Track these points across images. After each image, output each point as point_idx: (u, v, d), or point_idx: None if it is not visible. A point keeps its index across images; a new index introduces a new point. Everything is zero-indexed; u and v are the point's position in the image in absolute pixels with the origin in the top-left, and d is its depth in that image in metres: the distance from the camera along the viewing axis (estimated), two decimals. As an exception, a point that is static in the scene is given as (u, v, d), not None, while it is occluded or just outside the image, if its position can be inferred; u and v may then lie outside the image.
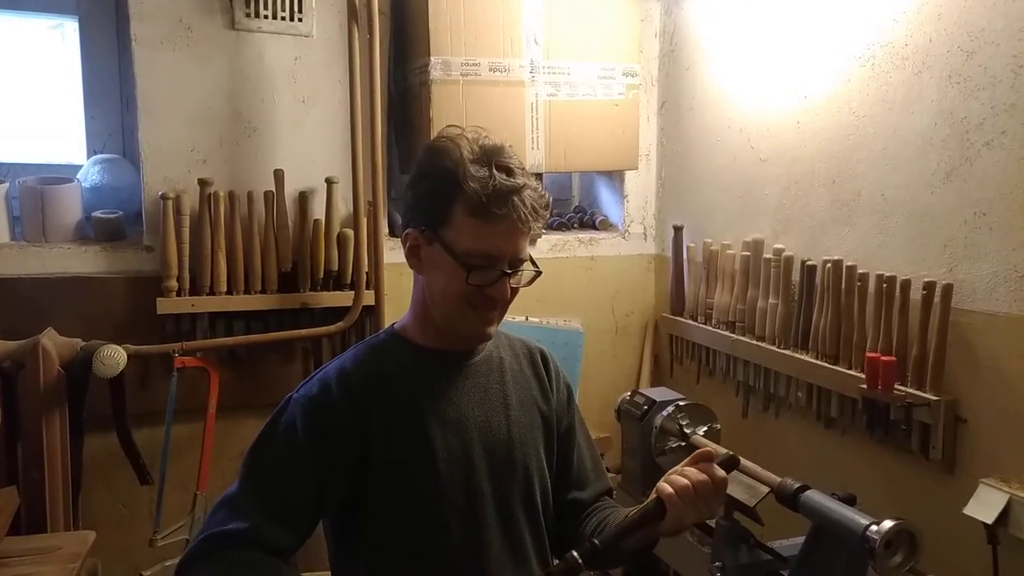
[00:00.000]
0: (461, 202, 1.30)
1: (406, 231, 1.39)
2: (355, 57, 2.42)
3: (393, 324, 1.50)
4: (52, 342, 2.11)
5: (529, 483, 1.44)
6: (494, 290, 1.33)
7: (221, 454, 2.48)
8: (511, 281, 1.35)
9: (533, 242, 2.70)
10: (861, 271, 1.95)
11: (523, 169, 1.35)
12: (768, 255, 2.25)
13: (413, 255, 1.39)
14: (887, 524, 1.37)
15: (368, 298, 2.50)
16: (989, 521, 1.62)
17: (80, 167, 2.59)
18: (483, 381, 1.44)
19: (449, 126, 1.40)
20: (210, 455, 2.38)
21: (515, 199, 1.29)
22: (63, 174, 2.54)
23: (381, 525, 1.35)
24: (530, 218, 1.31)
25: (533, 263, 1.39)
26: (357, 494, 1.35)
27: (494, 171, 1.30)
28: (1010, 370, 1.65)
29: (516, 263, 1.35)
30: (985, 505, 1.64)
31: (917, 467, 1.85)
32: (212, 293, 2.37)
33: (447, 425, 1.38)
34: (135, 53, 2.33)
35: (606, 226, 2.95)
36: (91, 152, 2.66)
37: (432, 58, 2.44)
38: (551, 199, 1.41)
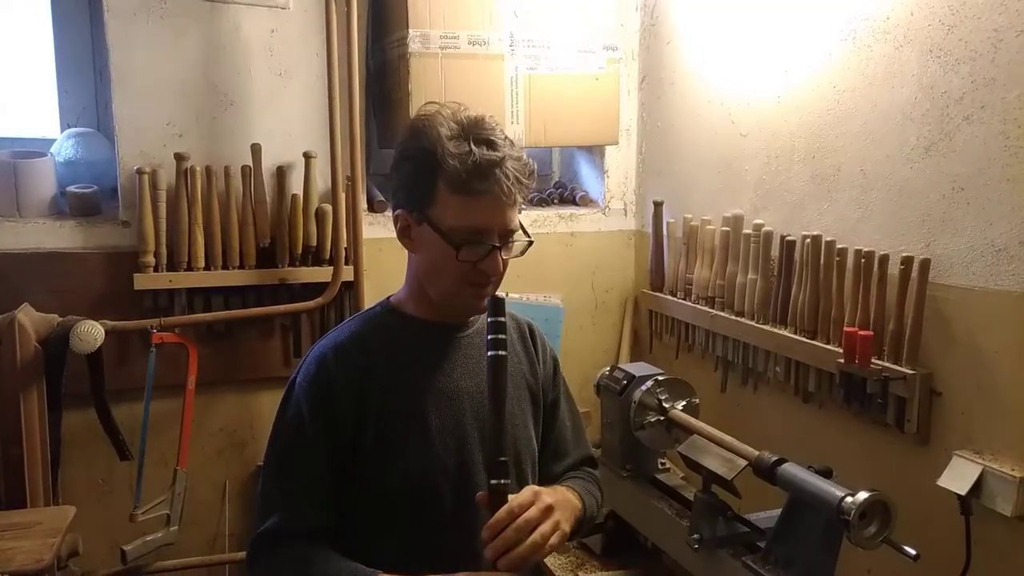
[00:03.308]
0: (443, 180, 1.31)
1: (396, 212, 1.41)
2: (332, 30, 2.39)
3: (388, 297, 1.52)
4: (28, 318, 2.09)
5: (519, 454, 1.48)
6: (486, 264, 1.34)
7: (200, 430, 2.47)
8: (502, 253, 1.36)
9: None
10: (840, 246, 1.95)
11: (506, 139, 1.35)
12: (748, 230, 2.25)
13: (405, 235, 1.41)
14: (862, 496, 1.40)
15: (347, 273, 2.49)
16: (962, 492, 1.64)
17: (53, 141, 2.55)
18: (475, 353, 1.46)
19: (428, 103, 1.41)
20: (190, 431, 2.38)
21: (497, 172, 1.30)
22: (36, 148, 2.50)
23: (374, 492, 1.38)
24: (514, 189, 1.32)
25: (525, 232, 1.41)
26: (352, 462, 1.38)
27: (472, 146, 1.30)
28: (985, 344, 1.67)
29: (506, 235, 1.36)
30: (958, 477, 1.66)
31: (892, 440, 1.87)
32: (190, 269, 2.36)
33: (440, 396, 1.41)
34: (108, 24, 2.29)
35: (586, 202, 2.95)
36: (65, 126, 2.61)
37: (411, 31, 2.41)
38: (535, 166, 1.40)
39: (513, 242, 1.39)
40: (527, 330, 1.59)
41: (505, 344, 1.31)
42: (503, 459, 1.28)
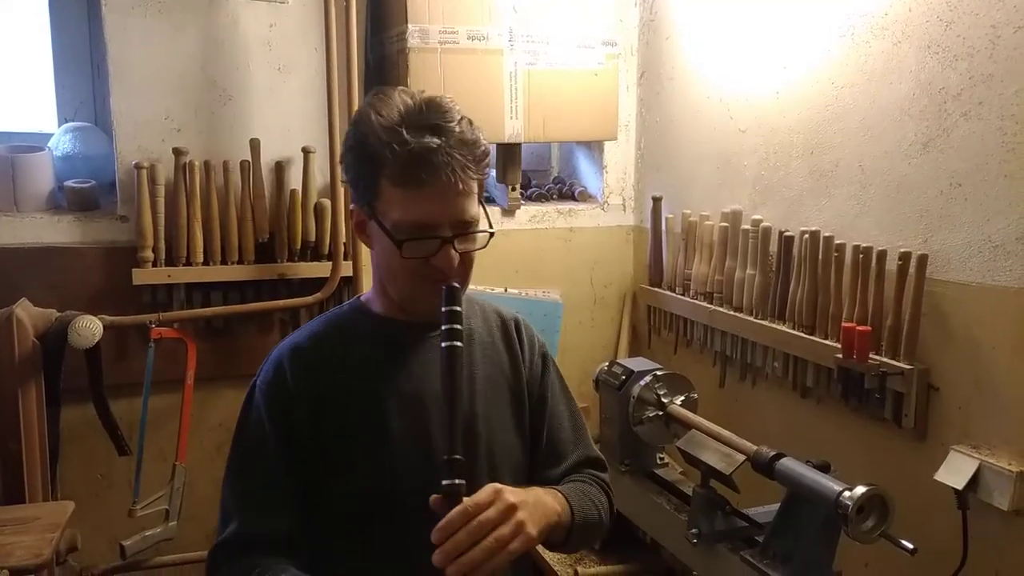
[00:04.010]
0: (383, 173, 1.23)
1: (351, 206, 1.33)
2: (331, 24, 2.39)
3: (359, 296, 1.46)
4: (26, 313, 2.09)
5: (494, 461, 1.38)
6: (438, 260, 1.24)
7: (199, 425, 2.47)
8: (458, 246, 1.26)
9: (509, 206, 2.70)
10: (838, 242, 1.96)
11: (462, 120, 1.25)
12: (746, 226, 2.25)
13: (360, 231, 1.33)
14: (859, 490, 1.40)
15: (346, 269, 2.49)
16: (959, 487, 1.65)
17: (51, 135, 2.55)
18: None
19: (381, 88, 1.29)
20: (188, 426, 2.38)
21: (436, 160, 1.19)
22: (34, 142, 2.50)
23: (337, 497, 1.32)
24: (460, 176, 1.21)
25: (489, 221, 1.31)
26: (314, 466, 1.32)
27: (408, 134, 1.20)
28: (982, 339, 1.68)
29: (460, 226, 1.25)
30: (955, 471, 1.67)
31: (890, 435, 1.88)
32: (188, 264, 2.36)
33: (404, 400, 1.33)
34: (106, 18, 2.29)
35: (585, 197, 2.95)
36: (62, 120, 2.61)
37: (410, 25, 2.41)
38: (488, 148, 1.29)
39: (473, 233, 1.28)
40: (512, 326, 1.48)
41: (460, 335, 1.21)
42: (457, 457, 1.15)
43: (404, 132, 1.20)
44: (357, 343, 1.36)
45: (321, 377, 1.32)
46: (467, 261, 1.30)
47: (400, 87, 1.30)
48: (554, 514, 1.28)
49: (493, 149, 2.75)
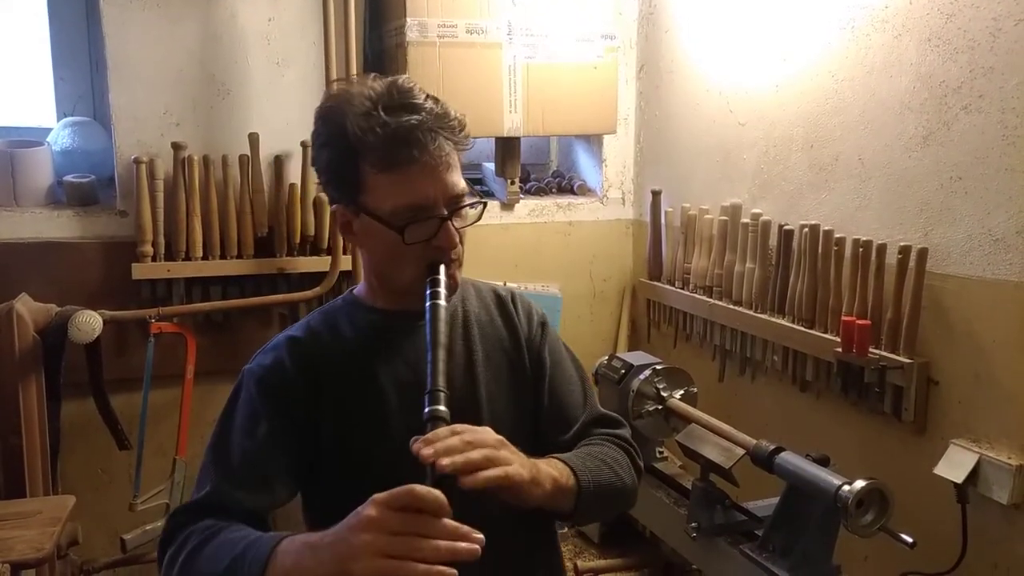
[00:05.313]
0: (365, 162, 1.21)
1: (332, 207, 1.31)
2: (330, 18, 2.38)
3: (352, 288, 1.45)
4: (26, 308, 2.09)
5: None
6: (440, 239, 1.23)
7: (199, 419, 2.47)
8: (455, 222, 1.25)
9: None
10: (838, 235, 1.96)
11: (428, 97, 1.24)
12: (746, 220, 2.25)
13: (347, 231, 1.31)
14: (859, 484, 1.40)
15: (345, 263, 2.48)
16: (959, 481, 1.65)
17: (50, 130, 2.55)
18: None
19: (333, 81, 1.26)
20: (188, 420, 2.38)
21: (419, 135, 1.19)
22: (33, 137, 2.50)
23: (334, 495, 1.28)
24: (445, 149, 1.22)
25: (473, 192, 1.32)
26: (312, 464, 1.30)
27: (385, 116, 1.19)
28: (982, 333, 1.68)
29: (453, 202, 1.24)
30: (955, 465, 1.67)
31: (890, 428, 1.88)
32: (188, 258, 2.36)
33: (405, 391, 1.31)
34: (104, 12, 2.28)
35: (584, 191, 2.95)
36: (61, 115, 2.61)
37: (408, 19, 2.41)
38: (465, 119, 1.26)
39: (465, 207, 1.26)
40: (508, 299, 1.46)
41: (440, 295, 1.21)
42: (439, 389, 1.12)
43: (382, 114, 1.19)
44: (354, 336, 1.35)
45: (319, 369, 1.31)
46: (462, 238, 1.29)
47: (352, 76, 1.28)
48: (548, 479, 1.22)
49: (491, 143, 2.75)
